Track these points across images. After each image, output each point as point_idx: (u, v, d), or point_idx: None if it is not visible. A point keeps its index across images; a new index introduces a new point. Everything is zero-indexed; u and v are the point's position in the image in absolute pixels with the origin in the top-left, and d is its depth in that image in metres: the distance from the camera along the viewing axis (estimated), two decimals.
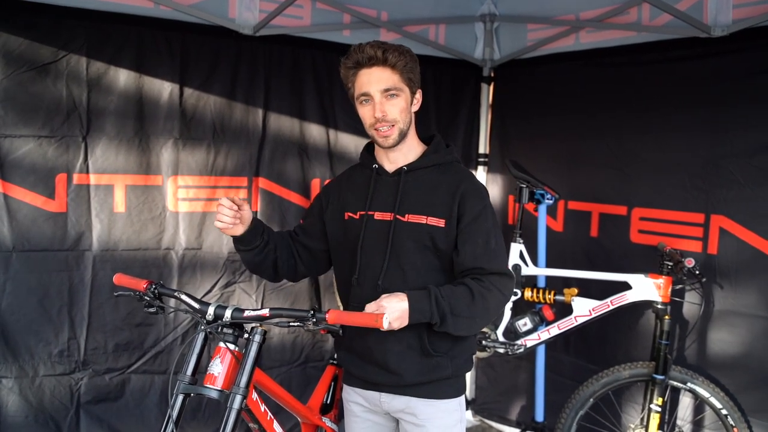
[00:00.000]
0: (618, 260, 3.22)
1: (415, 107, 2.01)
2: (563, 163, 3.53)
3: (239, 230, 1.97)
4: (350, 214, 2.05)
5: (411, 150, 2.02)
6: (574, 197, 3.48)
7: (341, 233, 2.08)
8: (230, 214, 1.91)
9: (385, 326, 1.67)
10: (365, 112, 1.95)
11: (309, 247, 2.15)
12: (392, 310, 1.77)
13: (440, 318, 1.83)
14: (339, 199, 2.11)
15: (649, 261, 3.01)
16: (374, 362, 1.99)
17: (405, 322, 1.80)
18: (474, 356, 2.17)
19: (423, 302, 1.82)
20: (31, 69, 2.76)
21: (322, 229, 2.14)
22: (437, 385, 1.99)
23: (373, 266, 1.95)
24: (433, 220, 1.94)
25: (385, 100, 1.91)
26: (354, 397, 2.14)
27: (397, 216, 1.96)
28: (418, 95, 2.01)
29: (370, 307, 1.78)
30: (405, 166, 2.00)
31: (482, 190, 2.01)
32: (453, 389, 2.03)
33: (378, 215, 1.99)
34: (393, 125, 1.92)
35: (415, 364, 1.96)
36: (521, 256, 3.17)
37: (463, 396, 2.08)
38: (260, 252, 2.05)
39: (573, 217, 3.50)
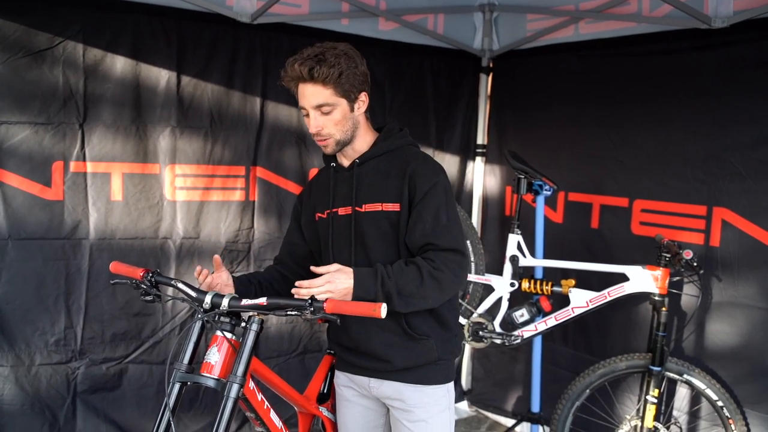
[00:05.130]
0: (619, 252, 3.21)
1: (361, 109, 1.97)
2: (563, 154, 3.51)
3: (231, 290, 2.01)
4: (319, 214, 2.10)
5: (363, 143, 2.03)
6: (574, 188, 3.47)
7: (316, 235, 2.13)
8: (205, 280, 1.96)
9: (383, 314, 1.66)
10: (307, 123, 1.97)
11: (302, 254, 2.20)
12: (338, 287, 1.81)
13: (385, 298, 1.84)
14: (310, 203, 2.16)
15: (651, 253, 3.00)
16: (362, 352, 2.04)
17: (348, 299, 1.84)
18: (462, 341, 2.18)
19: (369, 280, 1.85)
20: (27, 55, 2.73)
21: (303, 236, 2.19)
22: (425, 369, 2.02)
23: (343, 261, 1.96)
24: (388, 206, 1.95)
25: (319, 115, 1.91)
26: (345, 382, 2.18)
27: (356, 208, 1.99)
28: (363, 97, 1.96)
29: (319, 281, 1.80)
30: (357, 158, 2.02)
31: (432, 168, 1.99)
32: (441, 375, 2.05)
33: (341, 211, 2.03)
34: (328, 138, 1.94)
35: (402, 350, 1.99)
36: (519, 247, 3.16)
37: (452, 383, 2.11)
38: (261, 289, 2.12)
39: (573, 209, 3.49)
